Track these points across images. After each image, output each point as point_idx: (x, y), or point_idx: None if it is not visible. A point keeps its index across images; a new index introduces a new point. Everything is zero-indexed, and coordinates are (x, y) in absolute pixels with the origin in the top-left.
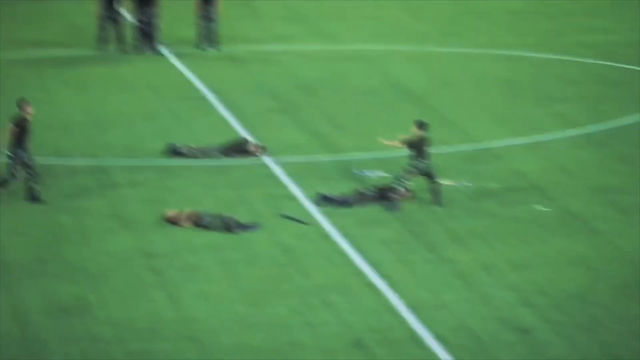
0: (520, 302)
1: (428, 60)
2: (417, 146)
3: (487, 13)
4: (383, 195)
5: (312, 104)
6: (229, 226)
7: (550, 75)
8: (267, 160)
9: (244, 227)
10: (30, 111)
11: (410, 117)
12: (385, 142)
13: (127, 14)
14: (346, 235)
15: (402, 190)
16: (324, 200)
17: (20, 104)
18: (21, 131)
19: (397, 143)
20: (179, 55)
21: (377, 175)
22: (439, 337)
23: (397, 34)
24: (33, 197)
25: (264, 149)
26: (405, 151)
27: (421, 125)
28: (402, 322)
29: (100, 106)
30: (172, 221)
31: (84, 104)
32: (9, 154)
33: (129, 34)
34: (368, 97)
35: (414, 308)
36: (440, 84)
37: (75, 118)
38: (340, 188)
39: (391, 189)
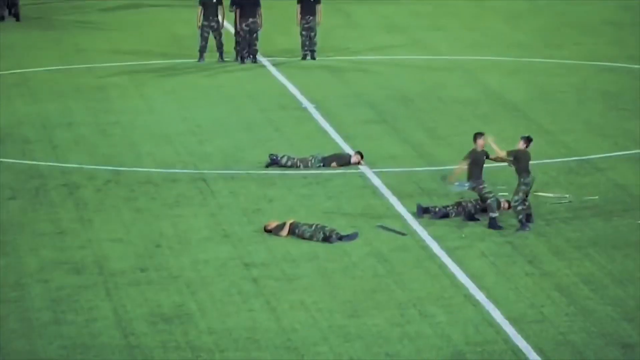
0: (623, 317)
1: (527, 72)
2: (523, 161)
3: (587, 25)
4: (483, 206)
5: (410, 114)
6: (327, 237)
7: None
8: (366, 170)
9: (342, 237)
10: (480, 144)
11: (509, 129)
12: (493, 145)
13: (227, 23)
14: (445, 247)
15: (503, 202)
16: (423, 212)
17: (475, 136)
18: (473, 163)
19: (502, 153)
20: (278, 65)
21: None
22: (540, 352)
23: (496, 45)
24: (493, 225)
25: (362, 156)
26: (501, 163)
27: (528, 140)
28: (502, 335)
29: (200, 116)
30: (271, 231)
31: (184, 113)
32: (467, 185)
33: (229, 44)
34: (466, 108)
35: (514, 321)
36: (540, 96)
37: (175, 127)
38: (438, 199)
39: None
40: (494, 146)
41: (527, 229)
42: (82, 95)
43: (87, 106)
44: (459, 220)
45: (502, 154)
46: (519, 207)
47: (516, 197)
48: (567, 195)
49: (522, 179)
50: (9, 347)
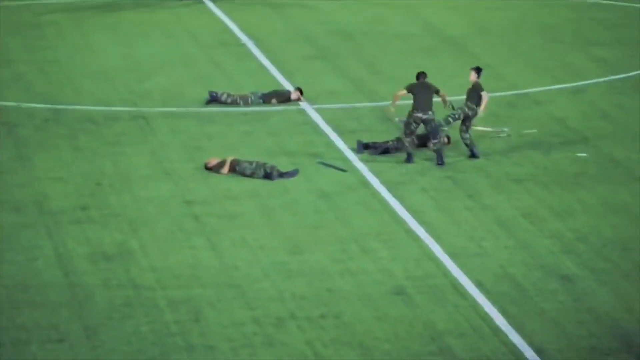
0: (562, 250)
1: (466, 6)
2: (476, 90)
3: None
4: (423, 142)
5: (350, 50)
6: (268, 173)
7: (590, 19)
8: (306, 107)
9: (283, 174)
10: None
11: (449, 63)
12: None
13: None
14: (386, 182)
15: (444, 138)
16: (363, 148)
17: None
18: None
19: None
20: (218, 1)
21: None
22: (480, 285)
23: None
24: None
25: (302, 92)
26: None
27: (478, 70)
28: (442, 269)
29: (139, 52)
30: (212, 169)
31: (123, 50)
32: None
33: None
34: (407, 43)
35: (454, 255)
36: (478, 30)
37: (115, 64)
38: (379, 135)
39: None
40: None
41: (478, 156)
42: (20, 33)
43: (25, 44)
44: (399, 155)
45: (482, 107)
46: (467, 136)
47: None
48: (506, 129)
49: (472, 107)
50: None
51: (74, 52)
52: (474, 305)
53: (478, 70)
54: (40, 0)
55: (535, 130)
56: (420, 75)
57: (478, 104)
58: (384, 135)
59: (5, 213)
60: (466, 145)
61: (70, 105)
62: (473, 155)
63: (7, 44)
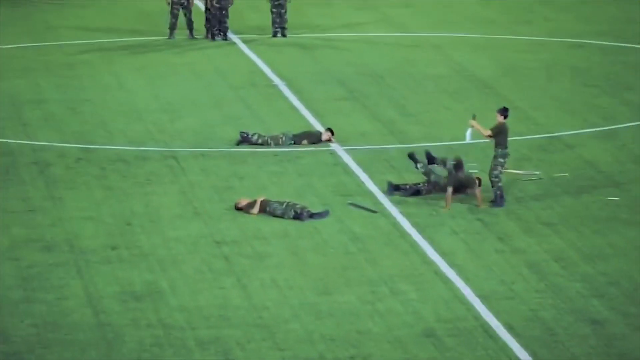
0: (593, 294)
1: (497, 48)
2: (503, 134)
3: (556, 1)
4: (459, 187)
5: (380, 91)
6: (298, 214)
7: (621, 63)
8: (337, 148)
9: (313, 215)
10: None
11: (479, 105)
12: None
13: (197, 0)
14: (416, 224)
15: (474, 179)
16: (394, 189)
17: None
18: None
19: (486, 132)
20: (248, 42)
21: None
22: (510, 328)
23: (465, 22)
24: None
25: (332, 133)
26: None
27: (505, 111)
28: (473, 312)
29: (170, 93)
30: (242, 209)
31: (155, 91)
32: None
33: (199, 21)
34: (436, 85)
35: (484, 298)
36: (509, 72)
37: (146, 104)
38: (409, 177)
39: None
40: (478, 127)
41: (503, 204)
42: (52, 73)
43: (57, 83)
44: (429, 197)
45: (487, 133)
46: (500, 184)
47: (495, 172)
48: (537, 172)
49: (499, 152)
50: None
51: (106, 92)
52: (505, 348)
53: (503, 111)
54: (72, 41)
55: (566, 174)
56: (457, 165)
57: (505, 145)
58: (415, 176)
59: (37, 252)
60: (493, 186)
61: (101, 145)
62: (499, 199)
63: (40, 84)
